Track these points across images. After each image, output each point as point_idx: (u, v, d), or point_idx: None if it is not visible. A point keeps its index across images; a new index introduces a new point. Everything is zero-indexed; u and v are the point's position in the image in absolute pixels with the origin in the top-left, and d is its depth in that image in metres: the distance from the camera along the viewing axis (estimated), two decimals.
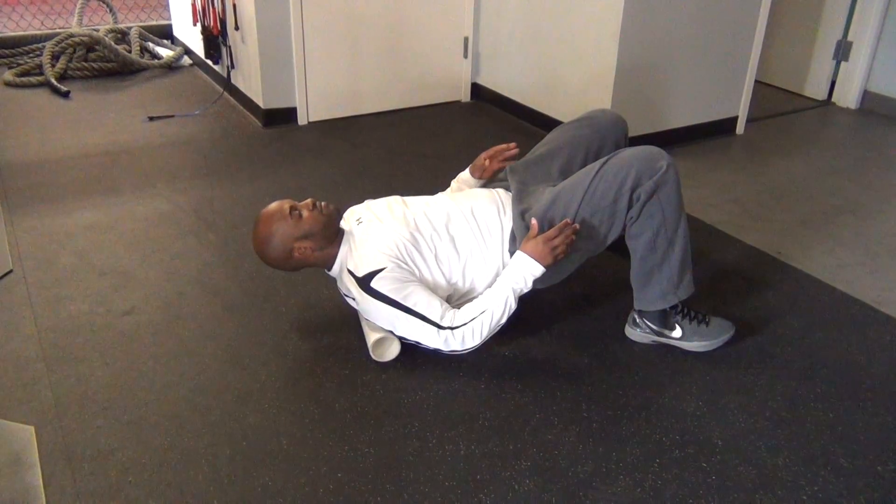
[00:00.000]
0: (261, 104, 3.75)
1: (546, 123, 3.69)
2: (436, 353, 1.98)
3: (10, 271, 2.43)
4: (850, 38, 4.17)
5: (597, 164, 1.98)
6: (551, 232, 1.95)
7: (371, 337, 2.02)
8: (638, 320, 2.10)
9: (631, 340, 2.13)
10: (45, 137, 3.58)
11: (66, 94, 4.18)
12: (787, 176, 3.35)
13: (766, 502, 1.60)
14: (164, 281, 2.40)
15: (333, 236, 2.03)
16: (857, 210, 3.01)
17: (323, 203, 2.02)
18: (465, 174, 2.33)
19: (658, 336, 2.08)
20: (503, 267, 2.04)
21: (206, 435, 1.76)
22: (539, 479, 1.65)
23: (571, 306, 2.30)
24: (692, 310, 2.07)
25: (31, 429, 1.76)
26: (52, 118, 3.85)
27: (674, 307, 2.05)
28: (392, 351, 2.02)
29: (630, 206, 1.94)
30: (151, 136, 3.63)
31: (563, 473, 1.67)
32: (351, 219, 2.10)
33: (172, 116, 3.90)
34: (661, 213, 1.94)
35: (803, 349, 2.12)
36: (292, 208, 1.98)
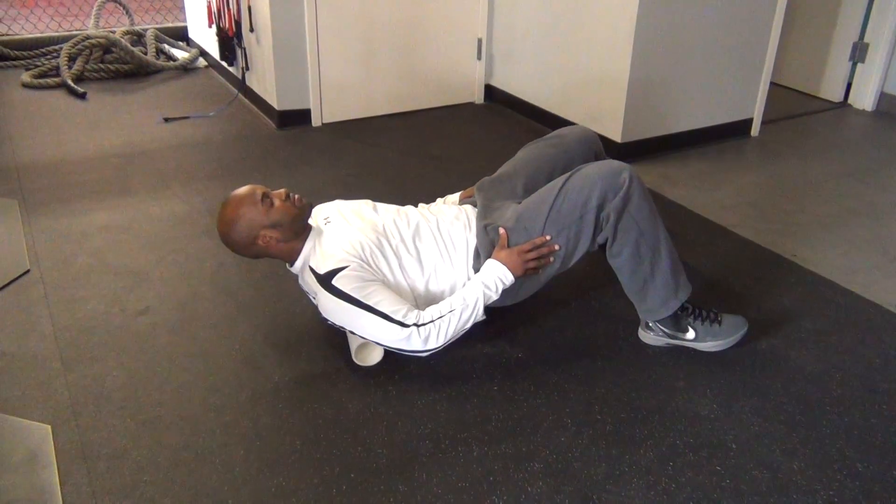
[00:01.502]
0: (275, 105, 3.77)
1: (559, 125, 3.65)
2: (404, 358, 1.95)
3: (28, 271, 2.45)
4: (866, 39, 4.14)
5: (559, 181, 1.98)
6: (526, 245, 1.96)
7: (354, 342, 2.01)
8: (651, 324, 2.09)
9: (644, 343, 2.12)
10: (61, 138, 3.61)
11: (82, 96, 4.21)
12: (803, 178, 3.32)
13: None
14: (178, 281, 2.42)
15: (301, 230, 2.00)
16: (872, 212, 2.99)
17: (297, 196, 2.00)
18: (454, 196, 2.34)
19: (671, 339, 2.08)
20: (464, 283, 2.02)
21: (221, 435, 1.77)
22: (552, 481, 1.65)
23: (584, 309, 2.29)
24: (703, 310, 2.06)
25: (48, 427, 1.78)
26: (69, 119, 3.88)
27: (684, 309, 2.04)
28: (375, 356, 2.01)
29: (597, 224, 1.94)
30: (167, 138, 3.65)
31: (576, 475, 1.66)
32: (319, 217, 2.08)
33: (188, 118, 3.93)
34: (636, 226, 1.94)
35: (818, 352, 2.10)
36: (265, 195, 1.95)
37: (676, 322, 2.05)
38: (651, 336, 2.10)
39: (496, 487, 1.63)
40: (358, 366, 2.00)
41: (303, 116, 3.82)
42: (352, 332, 1.95)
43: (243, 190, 1.97)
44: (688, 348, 2.08)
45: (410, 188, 3.10)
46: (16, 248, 2.58)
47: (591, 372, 2.01)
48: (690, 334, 2.06)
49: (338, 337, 2.12)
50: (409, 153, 3.54)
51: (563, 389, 1.94)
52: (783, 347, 2.12)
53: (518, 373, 2.00)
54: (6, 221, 2.77)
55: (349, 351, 2.05)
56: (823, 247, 2.70)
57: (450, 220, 2.09)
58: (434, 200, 2.36)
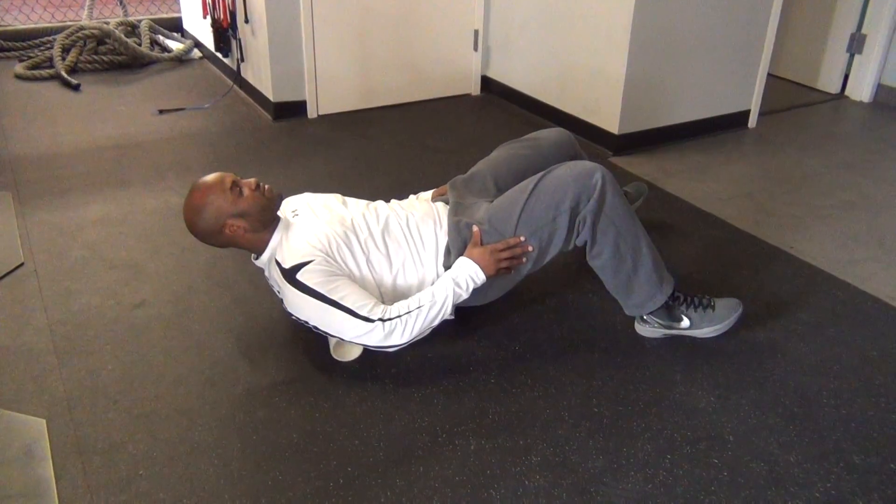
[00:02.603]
0: (271, 97, 3.75)
1: (556, 117, 3.68)
2: (377, 352, 1.94)
3: (22, 264, 2.44)
4: (863, 31, 4.13)
5: (531, 182, 1.97)
6: (499, 244, 1.95)
7: (333, 338, 2.00)
8: (646, 317, 2.09)
9: (641, 336, 2.12)
10: (55, 130, 3.59)
11: (76, 87, 4.19)
12: (800, 170, 3.32)
13: (778, 499, 1.59)
14: (174, 274, 2.40)
15: (269, 222, 1.97)
16: (870, 204, 2.99)
17: (267, 186, 1.96)
18: (426, 194, 2.32)
19: (668, 329, 2.07)
20: (435, 280, 2.01)
21: (217, 428, 1.77)
22: (549, 475, 1.64)
23: (580, 302, 2.29)
24: (695, 297, 2.06)
25: (43, 421, 1.77)
26: (63, 111, 3.86)
27: (676, 299, 2.04)
28: (355, 351, 1.99)
29: (571, 227, 1.94)
30: (162, 130, 3.63)
31: (574, 469, 1.66)
32: (287, 209, 2.05)
33: (183, 109, 3.91)
34: (613, 226, 1.93)
35: (816, 345, 2.10)
36: (234, 183, 1.91)
37: (670, 312, 2.05)
38: (647, 329, 2.10)
39: (494, 481, 1.63)
40: (355, 360, 1.99)
41: (298, 108, 3.80)
42: (316, 328, 1.92)
43: (212, 177, 1.92)
44: (685, 339, 2.08)
45: (407, 180, 3.09)
46: (9, 240, 2.57)
47: (588, 365, 2.01)
48: (685, 323, 2.05)
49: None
50: (405, 145, 3.53)
51: (561, 383, 1.93)
52: (780, 340, 2.12)
53: (515, 366, 2.00)
54: (0, 214, 2.75)
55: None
56: (821, 238, 2.70)
57: (420, 216, 2.07)
58: (430, 192, 2.35)
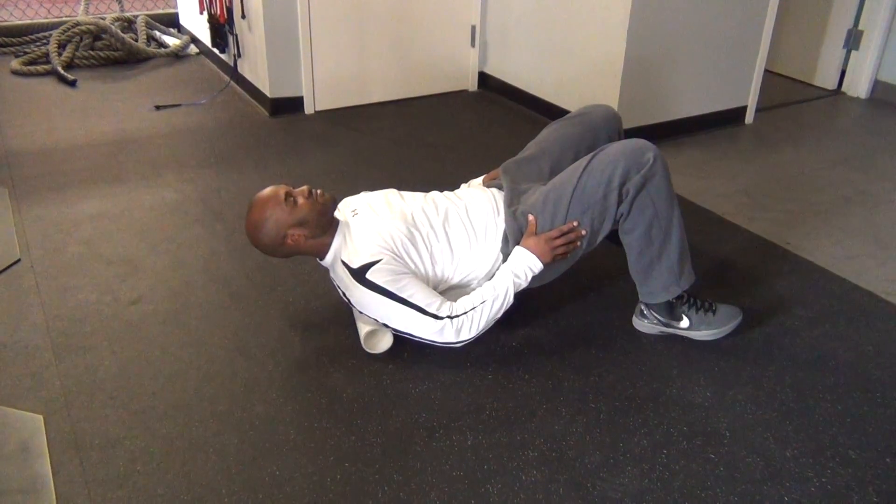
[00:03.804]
0: (267, 93, 3.74)
1: (553, 113, 3.67)
2: (430, 347, 1.96)
3: (18, 260, 2.43)
4: (860, 26, 4.13)
5: (583, 160, 1.97)
6: (553, 232, 1.95)
7: (363, 329, 2.01)
8: (645, 312, 2.09)
9: (638, 332, 2.12)
10: (51, 126, 3.58)
11: (72, 83, 4.18)
12: (797, 166, 3.32)
13: (775, 494, 1.60)
14: (171, 270, 2.40)
15: (328, 225, 2.00)
16: (866, 200, 2.99)
17: (318, 191, 1.99)
18: (477, 180, 2.33)
19: (666, 327, 2.08)
20: (495, 268, 2.03)
21: (214, 424, 1.77)
22: (546, 470, 1.65)
23: (579, 297, 2.29)
24: (698, 299, 2.06)
25: (40, 417, 1.77)
26: (59, 107, 3.85)
27: (679, 298, 2.04)
28: (384, 343, 2.01)
29: (620, 202, 1.93)
30: (158, 125, 3.63)
31: (571, 464, 1.67)
32: (346, 210, 2.08)
33: (179, 105, 3.90)
34: (652, 206, 1.93)
35: (812, 340, 2.11)
36: (287, 194, 1.95)
37: (671, 310, 2.05)
38: (645, 324, 2.11)
39: (491, 476, 1.63)
40: (352, 354, 2.00)
41: (295, 104, 3.80)
42: (386, 326, 1.95)
43: (266, 192, 1.97)
44: (682, 337, 2.08)
45: (404, 176, 3.09)
46: (6, 236, 2.56)
47: (585, 360, 2.01)
48: (684, 323, 2.06)
49: (331, 326, 2.11)
50: (402, 141, 3.53)
51: (558, 378, 1.94)
52: (777, 335, 2.12)
53: (512, 361, 2.00)
54: None
55: (343, 340, 2.04)
56: (817, 235, 2.71)
57: (478, 205, 2.08)
58: (429, 187, 2.34)
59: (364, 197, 2.13)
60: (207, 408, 1.82)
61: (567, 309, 2.23)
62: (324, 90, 3.83)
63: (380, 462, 1.66)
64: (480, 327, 1.92)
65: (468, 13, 4.08)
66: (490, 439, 1.73)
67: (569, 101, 3.60)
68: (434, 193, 2.16)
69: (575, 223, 1.95)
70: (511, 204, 2.06)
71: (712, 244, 2.62)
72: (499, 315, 1.94)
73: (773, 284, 2.38)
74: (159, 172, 3.11)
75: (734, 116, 3.77)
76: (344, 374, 1.94)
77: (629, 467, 1.66)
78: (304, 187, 1.99)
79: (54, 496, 1.56)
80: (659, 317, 2.07)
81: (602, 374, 1.96)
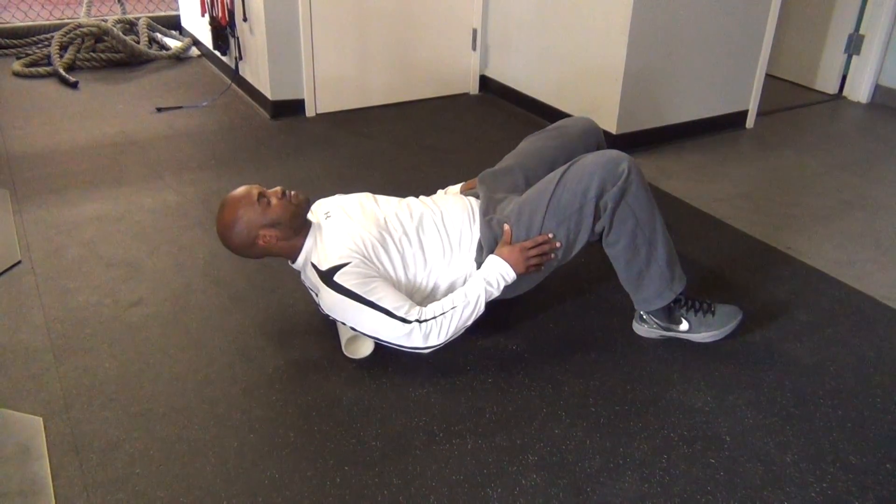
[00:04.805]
0: (269, 95, 3.75)
1: (554, 116, 3.68)
2: (398, 352, 1.94)
3: (19, 262, 2.43)
4: (861, 31, 4.13)
5: (558, 172, 1.97)
6: (528, 242, 1.95)
7: (344, 335, 2.00)
8: (645, 317, 2.09)
9: (639, 336, 2.12)
10: (53, 128, 3.58)
11: (74, 85, 4.18)
12: (798, 170, 3.32)
13: (775, 499, 1.59)
14: (171, 272, 2.40)
15: (300, 227, 1.99)
16: (867, 205, 2.99)
17: (292, 192, 1.97)
18: (455, 188, 2.33)
19: (665, 331, 2.07)
20: (468, 276, 2.02)
21: (214, 427, 1.77)
22: (546, 474, 1.65)
23: (579, 301, 2.29)
24: (696, 301, 2.06)
25: (40, 420, 1.77)
26: (61, 109, 3.85)
27: (677, 301, 2.04)
28: (365, 348, 2.00)
29: (597, 215, 1.93)
30: (159, 128, 3.63)
31: (571, 468, 1.66)
32: (319, 212, 2.06)
33: (180, 108, 3.90)
34: (633, 216, 1.93)
35: (812, 345, 2.11)
36: (261, 195, 1.93)
37: (669, 314, 2.05)
38: (645, 328, 2.10)
39: (490, 480, 1.63)
40: (352, 358, 2.00)
41: (296, 107, 3.80)
42: (354, 329, 1.93)
43: (239, 191, 1.95)
44: (682, 340, 2.08)
45: (405, 179, 3.09)
46: (7, 238, 2.56)
47: (585, 364, 2.01)
48: (684, 326, 2.06)
49: (331, 329, 2.11)
50: (403, 144, 3.53)
51: (558, 382, 1.94)
52: (777, 340, 2.12)
53: (512, 365, 2.00)
54: None
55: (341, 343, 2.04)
56: (818, 239, 2.71)
57: (454, 212, 2.08)
58: (429, 191, 2.34)
59: (338, 199, 2.12)
60: (207, 410, 1.82)
61: (567, 313, 2.23)
62: (325, 93, 3.83)
63: (379, 465, 1.66)
64: (449, 333, 1.89)
65: (469, 16, 4.08)
66: (490, 443, 1.73)
67: (570, 104, 3.60)
68: (410, 199, 2.15)
69: (550, 235, 1.95)
70: (486, 213, 2.06)
71: (713, 248, 2.62)
72: (469, 322, 1.92)
73: (773, 289, 2.38)
74: (160, 175, 3.11)
75: (735, 121, 3.77)
76: (344, 377, 1.94)
77: (629, 472, 1.66)
78: (278, 188, 1.97)
79: (53, 498, 1.56)
80: (658, 321, 2.07)
81: (602, 378, 1.96)
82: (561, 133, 2.29)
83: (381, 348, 1.99)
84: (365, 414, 1.82)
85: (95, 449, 1.69)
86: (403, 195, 2.28)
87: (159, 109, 3.86)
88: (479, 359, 2.01)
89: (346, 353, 2.00)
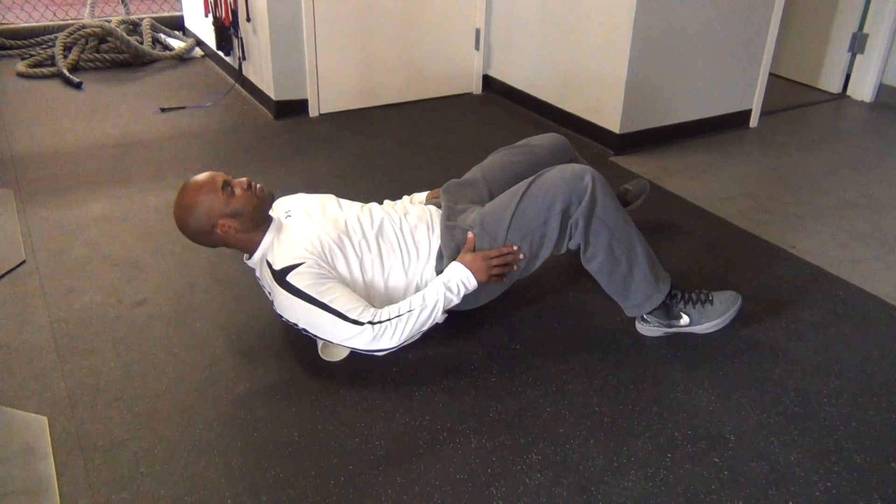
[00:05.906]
0: (272, 95, 3.75)
1: (558, 116, 3.68)
2: (353, 354, 1.93)
3: (23, 262, 2.44)
4: (865, 30, 4.12)
5: (522, 185, 1.97)
6: (492, 252, 1.94)
7: (321, 339, 1.98)
8: (646, 316, 2.08)
9: (642, 335, 2.12)
10: (57, 128, 3.59)
11: (78, 86, 4.19)
12: (802, 169, 3.32)
13: (779, 498, 1.59)
14: (175, 272, 2.41)
15: (261, 222, 1.96)
16: (871, 204, 2.99)
17: (258, 185, 1.94)
18: (420, 195, 2.32)
19: (668, 328, 2.07)
20: (427, 282, 2.00)
21: (218, 426, 1.77)
22: (550, 473, 1.65)
23: (582, 301, 2.29)
24: (692, 293, 2.06)
25: (44, 419, 1.77)
26: (65, 109, 3.86)
27: (673, 297, 2.04)
28: (342, 351, 1.98)
29: (563, 230, 1.93)
30: (163, 128, 3.63)
31: (574, 467, 1.66)
32: (280, 210, 2.04)
33: (184, 108, 3.91)
34: (606, 228, 1.93)
35: (817, 344, 2.10)
36: (225, 182, 1.89)
37: (668, 311, 2.05)
38: (647, 328, 2.10)
39: (494, 479, 1.63)
40: (356, 357, 1.99)
41: (300, 107, 3.80)
42: (304, 331, 1.90)
43: (203, 176, 1.91)
44: (686, 338, 2.08)
45: (408, 179, 3.09)
46: (11, 238, 2.57)
47: (589, 364, 2.01)
48: (685, 320, 2.05)
49: None
50: (406, 144, 3.53)
51: (562, 381, 1.94)
52: (781, 339, 2.12)
53: (516, 365, 2.00)
54: (1, 212, 2.75)
55: None
56: (822, 238, 2.70)
57: (414, 219, 2.07)
58: (424, 194, 2.35)
59: (300, 199, 2.10)
60: (211, 410, 1.82)
61: (570, 313, 2.23)
62: (328, 93, 3.83)
63: (383, 464, 1.66)
64: (404, 337, 1.86)
65: (473, 16, 4.08)
66: (494, 442, 1.73)
67: (573, 104, 3.59)
68: (373, 204, 2.14)
69: (515, 247, 1.95)
70: (447, 220, 2.05)
71: (717, 248, 2.61)
72: (425, 328, 1.89)
73: (777, 288, 2.37)
74: (164, 175, 3.11)
75: (739, 120, 3.76)
76: (348, 376, 1.94)
77: (633, 471, 1.66)
78: (244, 178, 1.94)
79: (58, 497, 1.56)
80: (658, 319, 2.07)
81: (606, 377, 1.95)
82: (530, 150, 2.30)
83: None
84: (369, 413, 1.82)
85: (100, 448, 1.70)
86: (399, 196, 2.29)
87: (163, 110, 3.87)
88: (482, 358, 2.01)
89: (322, 356, 1.98)
